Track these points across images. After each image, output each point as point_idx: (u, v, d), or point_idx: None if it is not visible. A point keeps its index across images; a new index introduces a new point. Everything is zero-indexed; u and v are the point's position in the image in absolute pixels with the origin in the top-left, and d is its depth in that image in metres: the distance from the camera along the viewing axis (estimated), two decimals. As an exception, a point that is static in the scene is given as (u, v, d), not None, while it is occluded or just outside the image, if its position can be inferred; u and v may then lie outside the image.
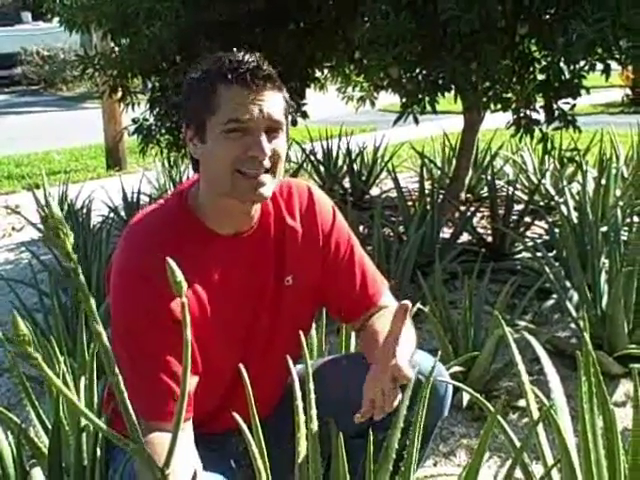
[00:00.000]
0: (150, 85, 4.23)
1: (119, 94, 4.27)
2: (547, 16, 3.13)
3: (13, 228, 5.47)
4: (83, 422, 1.72)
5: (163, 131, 4.12)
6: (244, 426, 1.24)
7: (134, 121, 4.17)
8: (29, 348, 0.84)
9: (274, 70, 1.45)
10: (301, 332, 1.49)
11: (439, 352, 1.67)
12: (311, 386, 1.38)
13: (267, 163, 1.41)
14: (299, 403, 1.40)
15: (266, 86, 1.41)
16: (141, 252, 1.44)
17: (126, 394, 1.42)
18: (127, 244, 1.48)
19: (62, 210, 4.98)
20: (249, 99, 1.39)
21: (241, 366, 1.30)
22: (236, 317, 1.52)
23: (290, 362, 1.44)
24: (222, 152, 1.40)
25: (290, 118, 1.52)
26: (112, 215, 4.68)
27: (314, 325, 2.11)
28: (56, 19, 4.45)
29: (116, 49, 4.32)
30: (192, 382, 1.42)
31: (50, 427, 1.80)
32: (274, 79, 1.43)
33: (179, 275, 0.92)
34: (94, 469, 1.59)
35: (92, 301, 0.89)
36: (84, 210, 4.47)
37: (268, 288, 1.55)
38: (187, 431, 1.38)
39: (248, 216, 1.50)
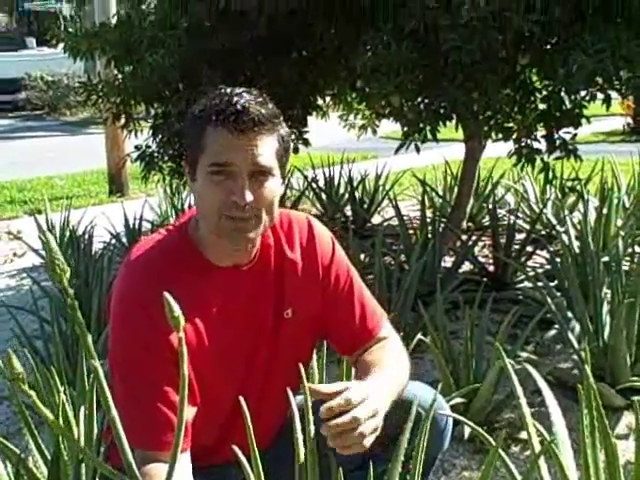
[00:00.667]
0: (153, 112, 4.25)
1: (122, 121, 4.29)
2: (548, 46, 3.15)
3: (15, 254, 5.47)
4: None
5: (166, 158, 4.13)
6: (243, 458, 1.23)
7: (137, 148, 4.18)
8: (23, 386, 0.84)
9: (269, 107, 1.43)
10: (300, 364, 1.49)
11: (440, 384, 1.66)
12: (310, 417, 1.37)
13: (250, 210, 1.39)
14: (299, 435, 1.39)
15: (253, 130, 1.39)
16: (140, 282, 1.44)
17: (122, 425, 1.42)
18: (127, 273, 1.48)
19: (64, 236, 4.99)
20: (233, 143, 1.39)
21: (241, 398, 1.29)
22: (235, 349, 1.51)
23: (290, 394, 1.43)
24: (208, 194, 1.41)
25: (287, 157, 1.49)
26: (114, 241, 4.68)
27: (315, 356, 2.10)
28: (61, 46, 4.48)
29: (119, 76, 4.34)
30: (190, 413, 1.41)
31: (49, 457, 1.79)
32: (264, 122, 1.40)
33: (176, 309, 0.92)
34: (92, 500, 1.58)
35: (89, 337, 0.89)
36: (86, 236, 4.46)
37: (267, 320, 1.54)
38: (184, 462, 1.38)
39: (245, 252, 1.50)
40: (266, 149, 1.41)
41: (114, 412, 1.01)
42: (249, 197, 1.38)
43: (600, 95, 3.06)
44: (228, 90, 1.43)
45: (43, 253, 5.00)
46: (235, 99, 1.40)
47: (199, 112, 1.45)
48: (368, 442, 1.33)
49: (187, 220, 1.54)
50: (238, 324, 1.50)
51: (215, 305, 1.47)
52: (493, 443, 1.45)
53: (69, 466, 1.78)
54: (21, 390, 0.85)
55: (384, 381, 1.46)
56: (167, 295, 0.91)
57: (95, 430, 1.87)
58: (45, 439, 2.00)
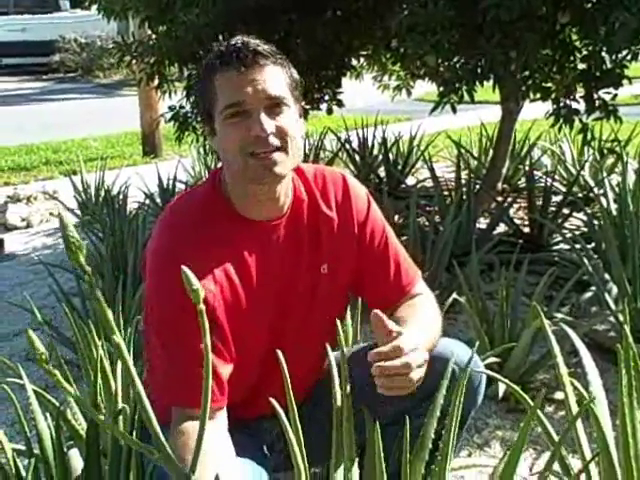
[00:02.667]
0: (187, 73, 4.23)
1: (156, 81, 4.29)
2: (589, 4, 3.07)
3: (51, 213, 5.53)
4: (120, 405, 1.74)
5: (199, 118, 4.13)
6: (280, 410, 1.24)
7: (170, 108, 4.18)
8: (47, 366, 0.85)
9: (270, 46, 1.43)
10: (337, 320, 1.49)
11: (477, 343, 1.65)
12: (346, 373, 1.38)
13: (274, 140, 1.39)
14: (337, 390, 1.39)
15: (257, 62, 1.39)
16: (176, 241, 1.44)
17: (159, 383, 1.44)
18: (162, 232, 1.48)
19: (99, 196, 5.04)
20: (240, 80, 1.39)
21: (278, 351, 1.29)
22: (269, 303, 1.51)
23: (328, 348, 1.43)
24: (228, 139, 1.40)
25: (299, 92, 1.49)
26: (148, 202, 4.72)
27: (349, 314, 2.10)
28: (94, 7, 4.48)
29: (153, 36, 4.33)
30: (226, 371, 1.42)
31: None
32: (266, 54, 1.41)
33: (195, 283, 0.92)
34: (130, 452, 1.60)
35: (109, 312, 0.90)
36: (120, 196, 4.50)
37: (301, 275, 1.54)
38: (220, 420, 1.39)
39: (274, 200, 1.49)
40: (275, 80, 1.41)
41: (139, 387, 1.02)
42: (269, 127, 1.38)
43: (643, 55, 2.99)
44: (227, 40, 1.44)
45: (78, 212, 5.06)
46: (233, 41, 1.41)
47: (203, 69, 1.46)
48: (412, 388, 1.35)
49: (217, 177, 1.53)
50: (273, 278, 1.50)
51: (249, 258, 1.47)
52: (530, 402, 1.45)
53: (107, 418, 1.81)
54: (46, 370, 0.86)
55: (419, 333, 1.46)
56: (185, 269, 0.91)
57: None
58: (82, 392, 2.04)
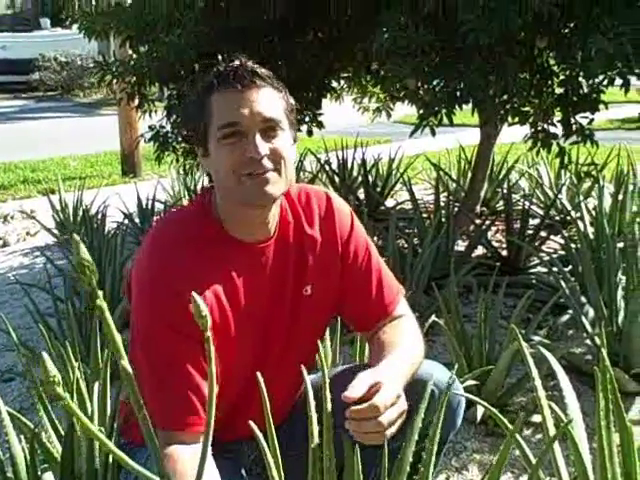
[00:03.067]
0: (167, 92, 4.24)
1: (136, 101, 4.28)
2: (567, 29, 3.12)
3: (28, 233, 5.49)
4: (96, 427, 1.72)
5: (179, 139, 4.13)
6: (259, 433, 1.23)
7: (151, 128, 4.18)
8: (58, 388, 0.84)
9: (267, 70, 1.43)
10: (318, 341, 1.49)
11: (456, 365, 1.66)
12: (327, 394, 1.37)
13: (268, 163, 1.39)
14: (313, 413, 1.39)
15: (255, 83, 1.39)
16: (164, 261, 1.42)
17: (145, 405, 1.42)
18: (150, 251, 1.46)
19: (77, 216, 5.01)
20: (237, 100, 1.39)
21: (257, 373, 1.29)
22: (254, 325, 1.51)
23: (304, 370, 1.43)
24: (223, 160, 1.40)
25: (294, 117, 1.49)
26: (126, 221, 4.69)
27: (328, 335, 2.10)
28: (75, 26, 4.48)
29: (134, 56, 4.33)
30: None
31: (62, 432, 1.80)
32: (264, 77, 1.41)
33: (204, 309, 0.91)
34: (106, 475, 1.59)
35: (119, 339, 0.88)
36: (99, 216, 4.48)
37: (287, 298, 1.54)
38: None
39: (264, 223, 1.49)
40: (272, 102, 1.41)
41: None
42: (264, 150, 1.38)
43: (618, 80, 3.03)
44: (226, 62, 1.44)
45: (56, 232, 5.03)
46: (232, 62, 1.41)
47: (200, 89, 1.46)
48: (389, 432, 1.32)
49: (207, 197, 1.53)
50: (259, 301, 1.50)
51: (239, 280, 1.46)
52: (509, 425, 1.45)
53: (82, 441, 1.79)
54: (57, 396, 0.84)
55: (400, 364, 1.46)
56: (195, 295, 0.90)
57: (108, 405, 1.88)
58: (58, 414, 2.01)
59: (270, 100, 1.41)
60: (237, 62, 1.41)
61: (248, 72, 1.39)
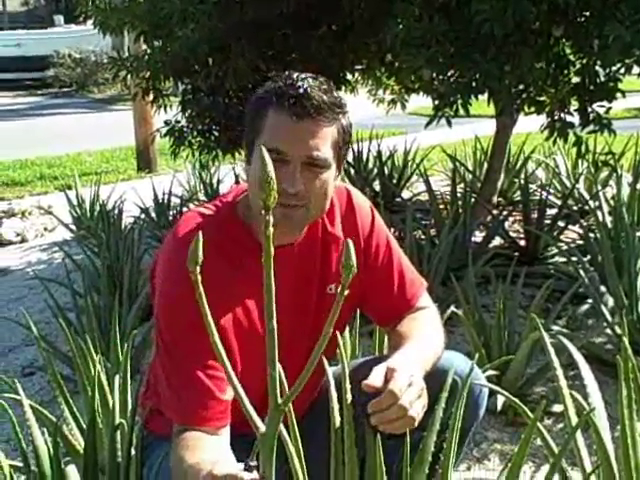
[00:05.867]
0: (182, 87, 4.24)
1: (151, 96, 4.29)
2: (582, 18, 3.09)
3: (45, 228, 5.52)
4: (117, 420, 1.73)
5: (195, 133, 4.13)
6: (281, 426, 1.23)
7: (166, 123, 4.18)
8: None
9: (334, 95, 1.39)
10: (337, 333, 1.49)
11: (476, 355, 1.65)
12: (347, 386, 1.37)
13: (300, 198, 1.37)
14: (334, 405, 1.39)
15: (312, 117, 1.36)
16: None
17: (163, 399, 1.43)
18: (176, 247, 1.45)
19: (94, 211, 5.03)
20: (289, 130, 1.36)
21: (280, 369, 1.29)
22: (282, 326, 1.51)
23: (326, 363, 1.43)
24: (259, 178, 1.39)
25: (346, 148, 1.46)
26: (143, 216, 4.71)
27: (347, 328, 2.10)
28: (89, 22, 4.49)
29: (148, 51, 4.34)
30: (230, 392, 1.41)
31: (84, 425, 1.81)
32: (324, 109, 1.37)
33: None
34: (129, 467, 1.60)
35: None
36: (115, 211, 4.50)
37: (312, 297, 1.54)
38: (224, 436, 1.38)
39: (292, 235, 1.49)
40: (323, 140, 1.38)
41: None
42: (299, 186, 1.36)
43: (636, 68, 3.01)
44: (294, 75, 1.40)
45: (73, 227, 5.06)
46: (299, 83, 1.37)
47: (261, 94, 1.43)
48: (414, 412, 1.31)
49: (235, 198, 1.52)
50: (286, 301, 1.50)
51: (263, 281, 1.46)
52: (530, 414, 1.44)
53: (104, 434, 1.81)
54: None
55: (414, 351, 1.45)
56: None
57: (129, 399, 1.90)
58: (79, 408, 2.03)
59: (322, 138, 1.38)
60: (303, 86, 1.36)
61: (310, 103, 1.35)
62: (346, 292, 1.55)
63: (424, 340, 1.53)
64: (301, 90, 1.36)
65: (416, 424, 1.33)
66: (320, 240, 1.54)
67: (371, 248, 1.59)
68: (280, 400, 0.89)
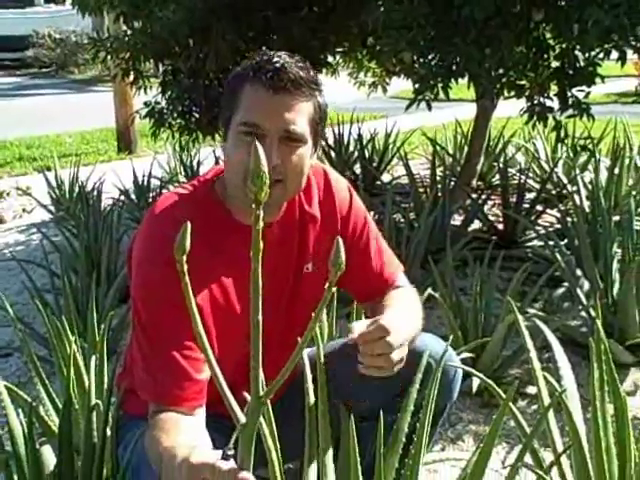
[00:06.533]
0: (162, 68, 4.21)
1: (131, 77, 4.26)
2: (562, 2, 3.10)
3: (24, 210, 5.48)
4: (93, 401, 1.73)
5: (175, 115, 4.11)
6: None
7: (146, 104, 4.16)
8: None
9: (309, 73, 1.40)
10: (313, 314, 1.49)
11: (451, 337, 1.67)
12: (322, 367, 1.38)
13: (276, 173, 1.36)
14: (309, 385, 1.40)
15: (289, 91, 1.36)
16: (168, 240, 1.42)
17: (138, 378, 1.43)
18: (152, 226, 1.45)
19: (73, 192, 5.00)
20: (266, 103, 1.36)
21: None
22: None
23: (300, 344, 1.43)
24: (236, 153, 1.38)
25: (322, 126, 1.46)
26: (123, 198, 4.69)
27: (325, 310, 2.10)
28: (68, 1, 4.44)
29: (128, 32, 4.30)
30: (207, 372, 1.41)
31: (60, 406, 1.81)
32: (301, 84, 1.37)
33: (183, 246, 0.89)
34: (104, 447, 1.60)
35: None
36: (95, 193, 4.47)
37: (289, 275, 1.54)
38: (199, 417, 1.38)
39: (271, 212, 1.48)
40: (300, 114, 1.38)
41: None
42: (276, 160, 1.36)
43: (615, 54, 3.01)
44: (271, 52, 1.40)
45: (52, 209, 5.02)
46: (275, 59, 1.37)
47: (238, 71, 1.43)
48: (391, 370, 1.37)
49: (213, 177, 1.52)
50: (263, 281, 1.50)
51: (242, 261, 1.46)
52: (503, 395, 1.46)
53: (80, 414, 1.81)
54: None
55: (402, 320, 1.47)
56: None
57: (105, 379, 1.90)
58: (55, 389, 2.03)
59: (299, 112, 1.38)
60: (281, 60, 1.37)
61: (287, 77, 1.36)
62: (332, 279, 1.56)
63: (404, 311, 1.54)
64: (278, 64, 1.36)
65: (395, 370, 1.37)
66: (298, 220, 1.54)
67: (349, 228, 1.60)
68: (261, 392, 0.88)
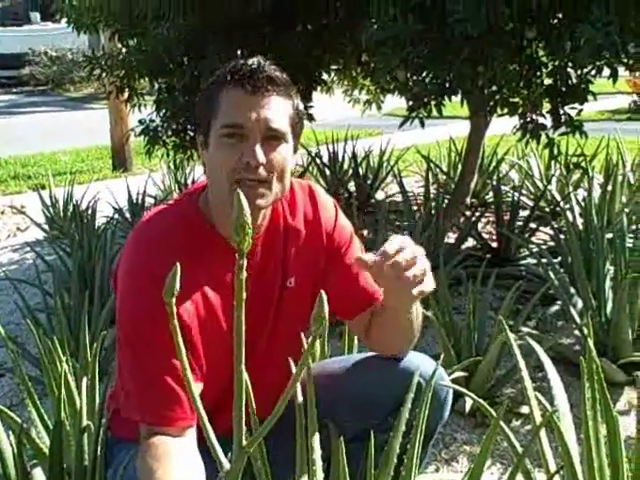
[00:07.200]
0: (157, 86, 4.22)
1: (126, 95, 4.27)
2: (555, 20, 3.11)
3: (18, 228, 5.47)
4: (84, 422, 1.72)
5: (169, 133, 4.11)
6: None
7: (140, 122, 4.16)
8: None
9: (283, 75, 1.41)
10: (302, 333, 1.49)
11: (441, 356, 1.66)
12: (311, 387, 1.37)
13: (263, 172, 1.37)
14: (300, 405, 1.39)
15: (267, 89, 1.37)
16: (151, 254, 1.41)
17: (128, 399, 1.42)
18: (137, 244, 1.45)
19: (67, 211, 4.99)
20: (246, 102, 1.37)
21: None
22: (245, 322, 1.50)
23: (292, 364, 1.42)
24: (220, 158, 1.38)
25: (300, 127, 1.47)
26: (117, 216, 4.68)
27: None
28: (64, 20, 4.46)
29: (123, 50, 4.32)
30: (197, 390, 1.40)
31: (51, 427, 1.79)
32: (279, 83, 1.39)
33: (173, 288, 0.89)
34: (95, 470, 1.58)
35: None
36: (89, 211, 4.46)
37: (274, 290, 1.54)
38: (189, 438, 1.37)
39: (255, 225, 1.48)
40: (280, 112, 1.39)
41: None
42: (261, 158, 1.36)
43: (607, 71, 3.03)
44: (242, 59, 1.41)
45: (46, 227, 5.01)
46: (250, 61, 1.38)
47: (212, 80, 1.44)
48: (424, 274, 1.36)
49: (196, 192, 1.51)
50: (247, 295, 1.49)
51: (226, 277, 1.45)
52: (494, 414, 1.45)
53: (71, 436, 1.79)
54: None
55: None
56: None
57: (97, 400, 1.88)
58: (47, 410, 2.01)
59: (279, 110, 1.39)
60: (255, 62, 1.38)
61: (263, 76, 1.37)
62: (305, 287, 1.54)
63: None
64: (254, 65, 1.37)
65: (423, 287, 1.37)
66: (282, 233, 1.54)
67: (334, 244, 1.59)
68: (245, 442, 0.88)
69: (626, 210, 3.66)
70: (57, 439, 1.67)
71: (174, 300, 0.85)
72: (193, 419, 1.38)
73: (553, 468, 1.54)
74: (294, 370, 1.41)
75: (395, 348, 1.60)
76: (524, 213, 4.38)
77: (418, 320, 1.54)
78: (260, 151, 1.36)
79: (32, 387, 2.00)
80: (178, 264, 0.84)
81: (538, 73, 3.32)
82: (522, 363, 1.65)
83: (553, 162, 4.13)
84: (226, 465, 0.88)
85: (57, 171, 7.73)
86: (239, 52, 3.73)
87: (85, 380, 1.89)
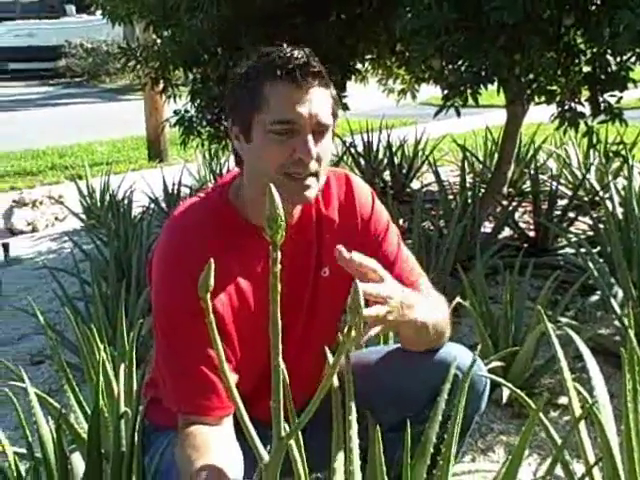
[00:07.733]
0: (191, 77, 4.24)
1: (161, 86, 4.29)
2: (593, 6, 3.06)
3: (56, 218, 5.54)
4: (122, 409, 1.74)
5: (204, 123, 4.13)
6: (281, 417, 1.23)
7: (175, 113, 4.18)
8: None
9: (322, 66, 1.41)
10: (337, 322, 1.49)
11: (479, 346, 1.65)
12: (350, 376, 1.37)
13: (313, 166, 1.38)
14: (336, 395, 1.39)
15: (315, 84, 1.37)
16: (183, 246, 1.42)
17: (164, 389, 1.43)
18: (170, 236, 1.46)
19: (104, 201, 5.04)
20: (298, 98, 1.36)
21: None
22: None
23: (329, 353, 1.42)
24: (269, 154, 1.37)
25: (337, 116, 1.47)
26: (153, 206, 4.72)
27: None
28: (99, 12, 4.49)
29: (158, 41, 4.34)
30: (233, 379, 1.41)
31: (90, 413, 1.81)
32: (323, 76, 1.39)
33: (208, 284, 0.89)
34: (132, 455, 1.60)
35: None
36: (125, 201, 4.51)
37: (307, 280, 1.53)
38: (227, 426, 1.38)
39: (290, 214, 1.48)
40: (326, 105, 1.40)
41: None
42: (315, 153, 1.37)
43: (647, 57, 2.98)
44: (284, 48, 1.38)
45: (83, 217, 5.07)
46: (295, 54, 1.37)
47: (250, 70, 1.41)
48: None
49: (228, 182, 1.52)
50: (282, 286, 1.49)
51: (258, 267, 1.45)
52: (533, 406, 1.44)
53: (109, 422, 1.81)
54: None
55: (424, 301, 1.49)
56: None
57: (134, 387, 1.90)
58: (85, 396, 2.04)
59: (325, 103, 1.39)
60: (301, 55, 1.36)
61: (310, 69, 1.36)
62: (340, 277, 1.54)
63: (430, 302, 1.55)
64: (302, 60, 1.36)
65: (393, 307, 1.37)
66: (315, 222, 1.54)
67: (370, 232, 1.58)
68: (284, 433, 0.88)
69: (667, 199, 3.59)
70: (95, 425, 1.69)
71: (209, 296, 0.85)
72: (230, 408, 1.38)
73: (592, 459, 1.52)
74: (330, 359, 1.41)
75: (421, 348, 1.59)
76: (562, 202, 4.33)
77: (435, 324, 1.53)
78: (314, 147, 1.36)
79: (71, 374, 2.03)
80: (212, 260, 0.84)
81: (576, 60, 3.27)
82: (561, 353, 1.63)
83: (592, 150, 4.07)
84: (265, 457, 0.88)
85: (94, 161, 7.81)
86: (274, 43, 3.73)
87: (122, 367, 1.90)
